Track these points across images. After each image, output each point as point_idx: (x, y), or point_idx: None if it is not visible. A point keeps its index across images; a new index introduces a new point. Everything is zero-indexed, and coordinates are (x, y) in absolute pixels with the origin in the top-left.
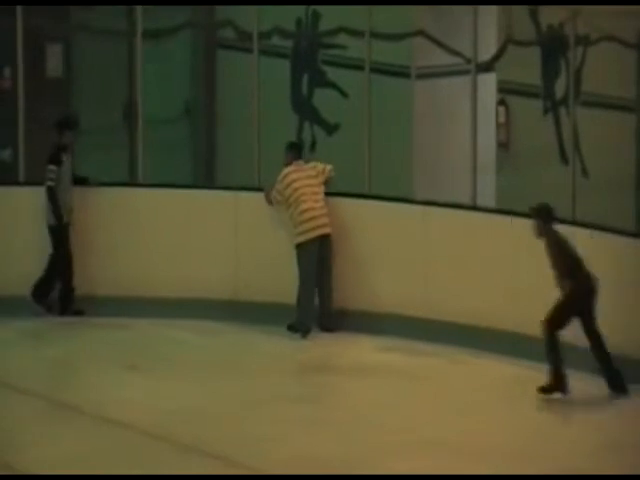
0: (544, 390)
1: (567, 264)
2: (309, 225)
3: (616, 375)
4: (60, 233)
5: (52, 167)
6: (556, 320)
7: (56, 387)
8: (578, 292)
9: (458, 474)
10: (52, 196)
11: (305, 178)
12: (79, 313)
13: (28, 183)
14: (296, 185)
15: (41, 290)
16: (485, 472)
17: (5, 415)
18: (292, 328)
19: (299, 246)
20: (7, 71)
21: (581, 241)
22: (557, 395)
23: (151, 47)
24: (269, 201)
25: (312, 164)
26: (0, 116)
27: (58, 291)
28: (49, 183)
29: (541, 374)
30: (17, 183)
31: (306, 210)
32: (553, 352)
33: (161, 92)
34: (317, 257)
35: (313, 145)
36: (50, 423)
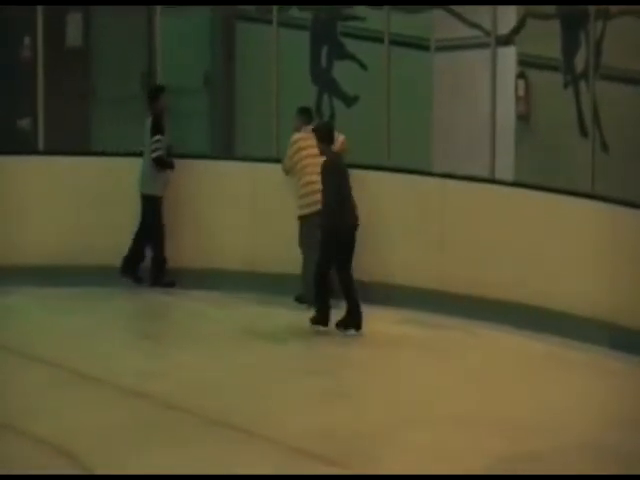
0: (311, 321)
1: (332, 193)
2: (309, 199)
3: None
4: (158, 204)
5: (158, 137)
6: (322, 261)
7: (76, 356)
8: (335, 228)
9: (459, 474)
10: (163, 165)
11: (312, 147)
12: (170, 285)
13: (47, 152)
14: (303, 154)
15: (131, 262)
16: (502, 443)
17: (24, 383)
18: (300, 299)
19: (300, 218)
20: (27, 40)
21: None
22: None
23: (170, 17)
24: (285, 171)
25: None
26: (20, 86)
27: (151, 262)
28: (158, 153)
29: (559, 347)
30: (36, 152)
31: (307, 183)
32: (320, 290)
33: (180, 63)
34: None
35: (332, 117)
36: (68, 392)
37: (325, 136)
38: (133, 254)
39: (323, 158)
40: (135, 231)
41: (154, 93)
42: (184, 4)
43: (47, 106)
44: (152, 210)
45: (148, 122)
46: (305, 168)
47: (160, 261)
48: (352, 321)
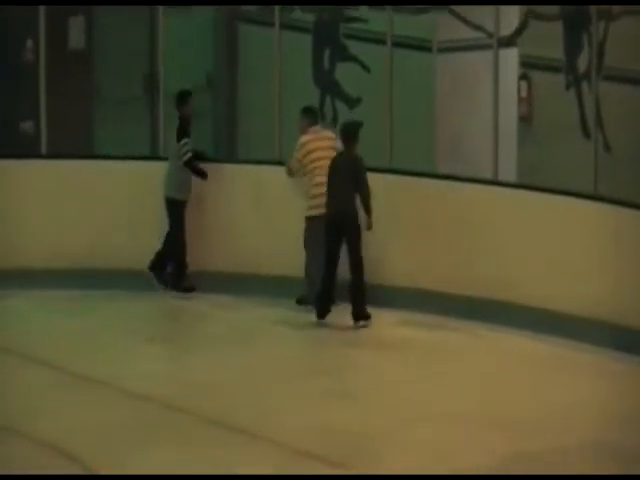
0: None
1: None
2: (320, 201)
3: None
4: (181, 208)
5: (186, 140)
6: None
7: (76, 359)
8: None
9: (459, 474)
10: (194, 168)
11: (322, 149)
12: (189, 290)
13: (50, 156)
14: (313, 156)
15: (160, 261)
16: (503, 443)
17: (26, 386)
18: (301, 302)
19: (308, 219)
20: (29, 43)
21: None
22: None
23: (173, 19)
24: (289, 173)
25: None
26: (22, 88)
27: (171, 266)
28: (188, 156)
29: (563, 349)
30: (39, 156)
31: (318, 184)
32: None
33: (182, 64)
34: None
35: (335, 119)
36: (69, 394)
37: (350, 137)
38: (163, 254)
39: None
40: (166, 233)
41: (182, 97)
42: (186, 4)
43: (49, 109)
44: (175, 213)
45: (175, 126)
46: (316, 169)
47: (180, 266)
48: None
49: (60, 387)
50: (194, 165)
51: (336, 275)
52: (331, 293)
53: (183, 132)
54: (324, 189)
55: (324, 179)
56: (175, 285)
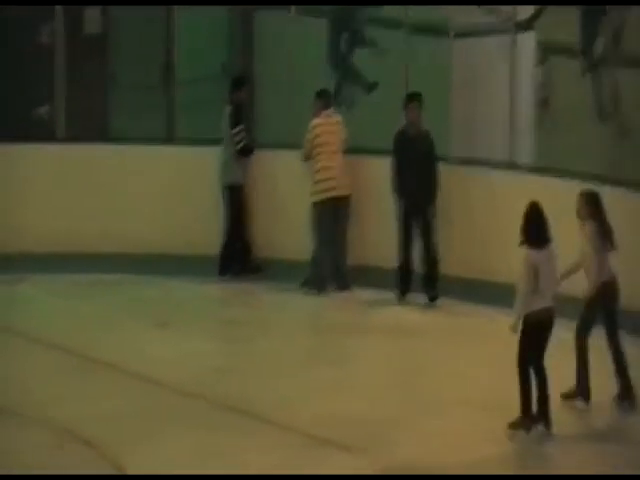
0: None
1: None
2: (324, 186)
3: None
4: (241, 192)
5: (240, 127)
6: None
7: (89, 344)
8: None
9: (459, 474)
10: (250, 154)
11: (329, 133)
12: (255, 270)
13: (65, 140)
14: (320, 140)
15: (228, 258)
16: (516, 432)
17: (38, 371)
18: (305, 284)
19: (314, 205)
20: (46, 28)
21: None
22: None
23: (188, 5)
24: (305, 156)
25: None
26: (39, 73)
27: (223, 249)
28: (243, 143)
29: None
30: (54, 139)
31: (322, 169)
32: None
33: (198, 51)
34: (332, 218)
35: (351, 104)
36: (82, 379)
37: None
38: (229, 250)
39: (337, 146)
40: (225, 227)
41: (237, 83)
42: (198, 4)
43: (66, 94)
44: (236, 199)
45: (226, 111)
46: (320, 154)
47: (240, 248)
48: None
49: (73, 372)
50: (248, 150)
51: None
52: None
53: (237, 119)
54: (327, 174)
55: (328, 164)
56: (244, 268)
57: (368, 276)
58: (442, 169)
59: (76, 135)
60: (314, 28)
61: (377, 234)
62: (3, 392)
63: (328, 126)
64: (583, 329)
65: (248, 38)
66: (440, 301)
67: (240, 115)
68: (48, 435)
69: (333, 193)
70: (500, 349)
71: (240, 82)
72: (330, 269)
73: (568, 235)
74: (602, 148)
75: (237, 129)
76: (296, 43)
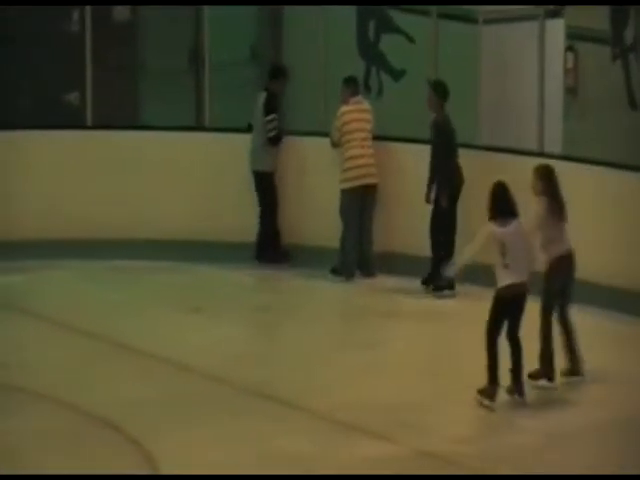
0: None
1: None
2: (354, 173)
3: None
4: (271, 179)
5: (273, 116)
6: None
7: (121, 330)
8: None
9: (460, 475)
10: (278, 143)
11: (360, 121)
12: (285, 258)
13: (95, 126)
14: (350, 127)
15: (264, 245)
16: (544, 419)
17: (71, 356)
18: (335, 272)
19: (343, 192)
20: (75, 14)
21: None
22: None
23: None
24: (333, 144)
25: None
26: (67, 59)
27: (259, 237)
28: (274, 132)
29: (606, 320)
30: (84, 127)
31: (353, 157)
32: None
33: (227, 36)
34: (360, 205)
35: (380, 91)
36: (113, 365)
37: (441, 92)
38: (263, 236)
39: (367, 133)
40: (258, 213)
41: (272, 73)
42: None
43: (95, 80)
44: (266, 186)
45: (261, 98)
46: (352, 141)
47: (273, 235)
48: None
49: (102, 357)
50: (279, 139)
51: None
52: None
53: (271, 107)
54: (357, 162)
55: (358, 152)
56: (270, 256)
57: (393, 263)
58: (470, 156)
59: (105, 121)
60: (343, 13)
61: (403, 221)
62: (34, 377)
63: (357, 113)
64: (546, 306)
65: (277, 22)
66: (467, 287)
67: (274, 103)
68: (77, 420)
69: (363, 181)
70: (527, 336)
71: (276, 72)
72: (357, 256)
73: (595, 223)
74: (632, 136)
75: (270, 117)
76: (325, 28)
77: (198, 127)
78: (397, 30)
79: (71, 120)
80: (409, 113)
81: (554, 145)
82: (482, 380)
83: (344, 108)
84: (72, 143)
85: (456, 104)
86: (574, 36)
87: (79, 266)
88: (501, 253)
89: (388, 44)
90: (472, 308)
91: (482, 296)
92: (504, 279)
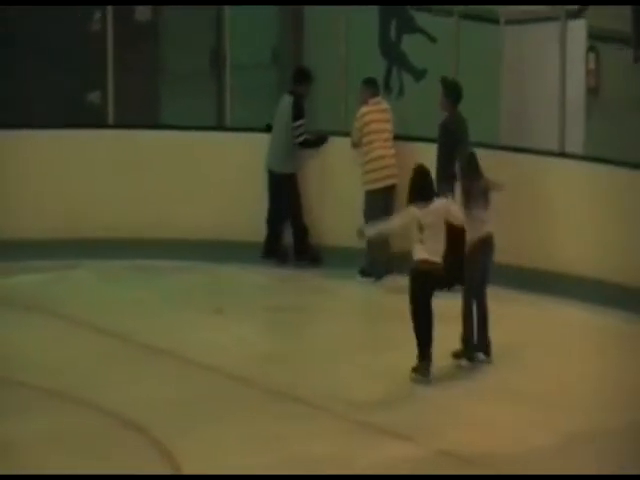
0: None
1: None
2: (378, 174)
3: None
4: (294, 181)
5: (301, 121)
6: None
7: (141, 329)
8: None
9: (464, 474)
10: (311, 146)
11: (381, 121)
12: (316, 260)
13: (117, 126)
14: (372, 128)
15: (270, 244)
16: (567, 422)
17: (92, 356)
18: (364, 273)
19: (367, 193)
20: (96, 14)
21: None
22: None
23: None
24: (353, 144)
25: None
26: (89, 59)
27: (294, 238)
28: (304, 137)
29: (627, 323)
30: (106, 126)
31: (377, 158)
32: None
33: (248, 38)
34: (383, 205)
35: (401, 91)
36: (136, 365)
37: (452, 92)
38: (270, 235)
39: (388, 133)
40: (267, 212)
41: (299, 76)
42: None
43: (116, 80)
44: (288, 188)
45: (285, 101)
46: (373, 143)
47: (302, 235)
48: None
49: (125, 357)
50: (309, 143)
51: None
52: None
53: (299, 112)
54: (382, 163)
55: (381, 152)
56: (300, 256)
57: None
58: (491, 156)
59: (127, 121)
60: (365, 13)
61: None
62: (58, 376)
63: (377, 113)
64: (468, 288)
65: (298, 24)
66: (495, 289)
67: (302, 108)
68: (100, 420)
69: (387, 182)
70: (550, 338)
71: (301, 76)
72: (385, 256)
73: (616, 224)
74: None
75: (298, 123)
76: (347, 28)
77: (219, 127)
78: (419, 30)
79: (93, 119)
80: (430, 113)
81: (575, 145)
82: (507, 384)
83: (364, 109)
84: (94, 142)
85: (477, 104)
86: (596, 37)
87: (100, 266)
88: (418, 229)
89: (409, 44)
90: (502, 311)
91: (504, 297)
92: (419, 253)
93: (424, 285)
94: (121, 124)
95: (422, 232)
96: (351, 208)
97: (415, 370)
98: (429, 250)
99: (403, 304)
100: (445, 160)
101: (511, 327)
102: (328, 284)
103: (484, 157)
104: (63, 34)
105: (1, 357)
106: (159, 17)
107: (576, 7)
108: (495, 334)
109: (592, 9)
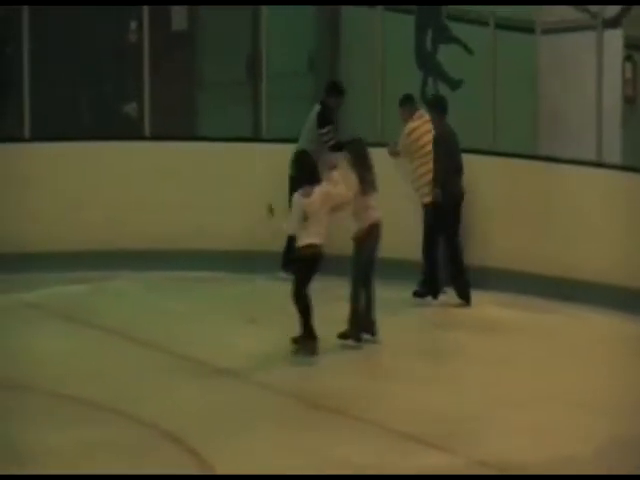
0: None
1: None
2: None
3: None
4: None
5: (329, 127)
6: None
7: (177, 340)
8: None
9: (464, 474)
10: (341, 150)
11: (429, 132)
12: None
13: (153, 137)
14: (423, 141)
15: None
16: (600, 428)
17: (130, 367)
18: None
19: (428, 204)
20: (133, 25)
21: None
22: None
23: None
24: (393, 154)
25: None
26: (126, 70)
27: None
28: (333, 142)
29: None
30: (143, 137)
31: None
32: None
33: (285, 46)
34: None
35: None
36: (172, 376)
37: (437, 106)
38: (289, 246)
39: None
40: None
41: (330, 89)
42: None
43: (153, 90)
44: None
45: (315, 109)
46: (427, 155)
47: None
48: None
49: (163, 368)
50: (340, 147)
51: None
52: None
53: (325, 119)
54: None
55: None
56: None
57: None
58: (529, 167)
59: (163, 132)
60: (401, 24)
61: None
62: (96, 387)
63: (425, 126)
64: (357, 273)
65: (335, 33)
66: (521, 298)
67: (328, 116)
68: (136, 430)
69: None
70: (583, 345)
71: (331, 88)
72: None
73: None
74: None
75: (325, 129)
76: (383, 38)
77: (255, 138)
78: (455, 40)
79: (129, 131)
80: (466, 123)
81: (613, 155)
82: (541, 392)
83: (412, 125)
84: (130, 154)
85: (514, 114)
86: (632, 46)
87: (138, 276)
88: (303, 218)
89: (446, 54)
90: (532, 319)
91: (537, 307)
92: (304, 239)
93: (309, 270)
94: (157, 135)
95: (306, 220)
96: (388, 219)
97: (296, 343)
98: (311, 234)
99: (435, 314)
100: (437, 172)
101: (544, 335)
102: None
103: (522, 167)
104: (99, 45)
105: (39, 367)
106: (195, 27)
107: (612, 16)
108: (529, 343)
109: (629, 18)
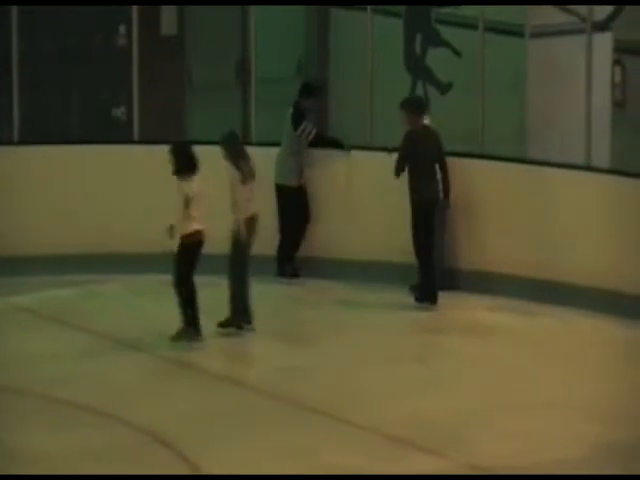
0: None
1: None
2: None
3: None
4: (294, 194)
5: (304, 124)
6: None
7: (170, 344)
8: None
9: (460, 474)
10: (323, 145)
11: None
12: (295, 275)
13: (143, 141)
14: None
15: (282, 259)
16: (595, 433)
17: (121, 372)
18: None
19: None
20: (122, 29)
21: None
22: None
23: (264, 4)
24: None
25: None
26: (115, 74)
27: (278, 249)
28: (313, 135)
29: None
30: (131, 141)
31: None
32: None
33: (274, 50)
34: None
35: (427, 104)
36: (164, 380)
37: (415, 107)
38: (281, 250)
39: None
40: (278, 227)
41: (304, 90)
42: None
43: (142, 94)
44: (288, 200)
45: (289, 112)
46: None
47: (289, 250)
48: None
49: (155, 373)
50: (321, 140)
51: None
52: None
53: (299, 118)
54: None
55: None
56: (280, 271)
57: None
58: (518, 170)
59: (152, 136)
60: (390, 27)
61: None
62: (88, 391)
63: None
64: (237, 264)
65: (324, 36)
66: (513, 301)
67: (300, 115)
68: (127, 435)
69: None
70: (575, 349)
71: (307, 90)
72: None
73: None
74: None
75: (302, 127)
76: (372, 42)
77: (245, 142)
78: (444, 44)
79: (118, 135)
80: (455, 127)
81: (602, 159)
82: (533, 396)
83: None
84: (120, 158)
85: (503, 118)
86: (622, 50)
87: (130, 280)
88: (185, 205)
89: (435, 58)
90: (526, 324)
91: (528, 310)
92: (191, 226)
93: (194, 256)
94: (146, 139)
95: (189, 207)
96: (376, 222)
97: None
98: (199, 220)
99: (428, 318)
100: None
101: (536, 339)
102: (357, 297)
103: (510, 171)
104: (89, 49)
105: (32, 371)
106: (184, 31)
107: (601, 20)
108: (521, 347)
109: (618, 22)
